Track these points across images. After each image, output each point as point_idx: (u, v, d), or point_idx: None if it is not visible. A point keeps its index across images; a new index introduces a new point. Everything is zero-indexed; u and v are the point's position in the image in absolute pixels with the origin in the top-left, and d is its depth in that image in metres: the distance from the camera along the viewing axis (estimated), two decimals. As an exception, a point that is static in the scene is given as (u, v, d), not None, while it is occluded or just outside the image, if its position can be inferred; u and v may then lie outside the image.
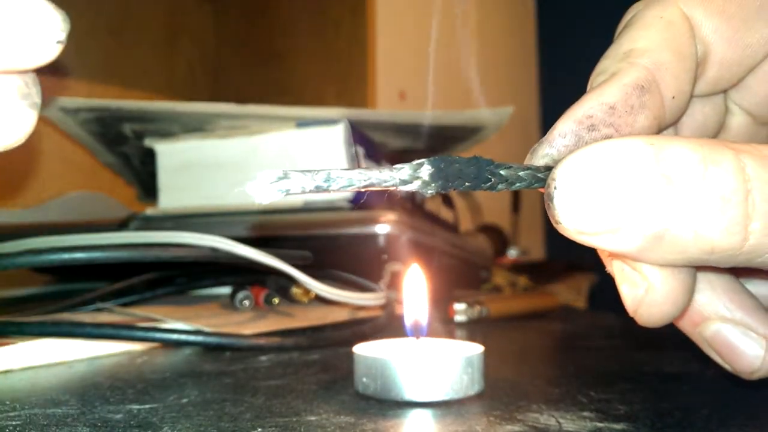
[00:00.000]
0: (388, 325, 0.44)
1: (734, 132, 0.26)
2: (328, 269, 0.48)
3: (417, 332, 0.29)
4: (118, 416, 0.23)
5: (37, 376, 0.31)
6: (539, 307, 0.60)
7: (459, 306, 0.51)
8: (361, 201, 0.52)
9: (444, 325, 0.50)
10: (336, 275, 0.48)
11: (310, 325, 0.42)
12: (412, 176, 0.19)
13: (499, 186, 0.20)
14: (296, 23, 1.17)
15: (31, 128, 0.19)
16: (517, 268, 0.97)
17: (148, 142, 0.62)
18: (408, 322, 0.30)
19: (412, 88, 1.35)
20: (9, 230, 0.55)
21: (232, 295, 0.47)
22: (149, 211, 0.60)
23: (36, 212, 0.66)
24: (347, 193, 0.50)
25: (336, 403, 0.25)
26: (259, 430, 0.22)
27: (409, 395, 0.25)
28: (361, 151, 0.58)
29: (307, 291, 0.45)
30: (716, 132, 0.26)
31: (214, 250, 0.39)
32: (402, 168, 0.19)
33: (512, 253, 1.13)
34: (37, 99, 0.19)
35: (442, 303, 0.52)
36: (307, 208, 0.54)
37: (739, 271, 0.24)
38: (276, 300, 0.46)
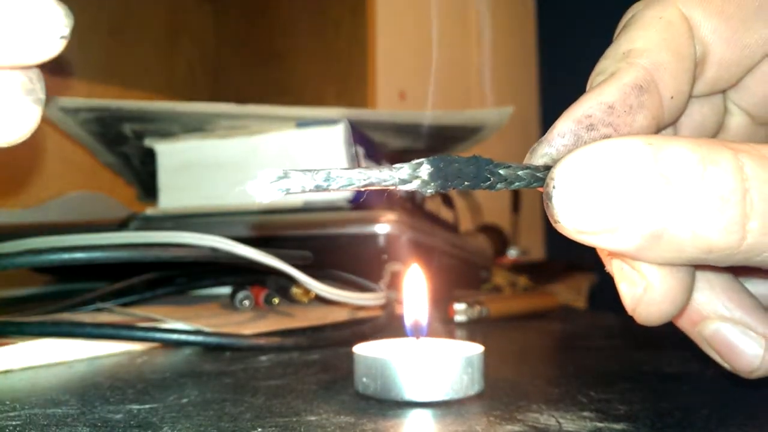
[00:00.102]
0: (388, 325, 0.44)
1: (733, 132, 0.26)
2: (328, 269, 0.48)
3: (417, 332, 0.29)
4: (118, 416, 0.23)
5: (37, 376, 0.31)
6: (539, 307, 0.60)
7: (459, 306, 0.51)
8: (361, 200, 0.52)
9: (444, 325, 0.50)
10: (336, 275, 0.48)
11: (310, 325, 0.42)
12: (411, 175, 0.19)
13: (498, 185, 0.20)
14: (296, 23, 1.17)
15: (35, 124, 0.19)
16: (517, 268, 0.97)
17: (148, 142, 0.62)
18: (408, 322, 0.30)
19: (412, 88, 1.35)
20: (9, 230, 0.56)
21: (232, 295, 0.47)
22: (149, 211, 0.60)
23: (36, 212, 0.66)
24: (347, 193, 0.50)
25: (336, 403, 0.26)
26: (259, 430, 0.22)
27: (409, 395, 0.25)
28: (361, 151, 0.58)
29: (307, 291, 0.45)
30: (715, 132, 0.26)
31: (214, 250, 0.39)
32: (401, 167, 0.19)
33: (512, 253, 1.13)
34: (42, 95, 0.19)
35: (442, 303, 0.52)
36: (307, 208, 0.54)
37: (738, 270, 0.24)
38: (276, 300, 0.46)
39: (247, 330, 0.39)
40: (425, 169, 0.19)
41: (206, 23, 1.13)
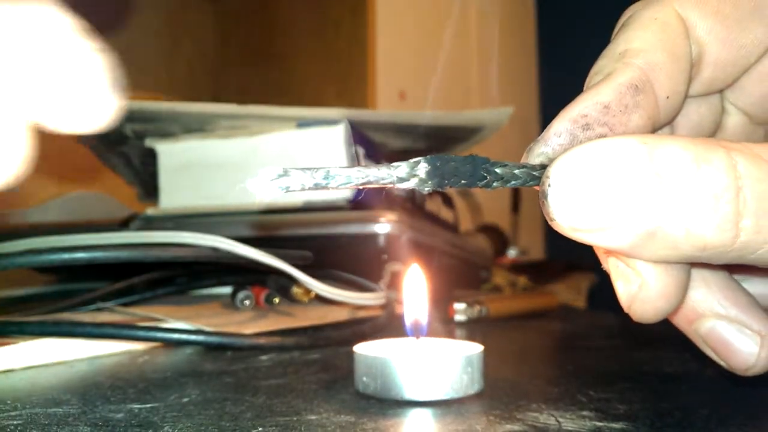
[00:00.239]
0: (388, 324, 0.44)
1: (731, 132, 0.26)
2: (329, 269, 0.48)
3: (417, 332, 0.29)
4: (119, 415, 0.24)
5: (38, 376, 0.31)
6: (539, 307, 0.60)
7: (459, 306, 0.52)
8: (361, 198, 0.52)
9: (444, 325, 0.50)
10: (336, 275, 0.48)
11: (310, 325, 0.42)
12: (409, 174, 0.19)
13: (495, 184, 0.20)
14: (296, 23, 1.17)
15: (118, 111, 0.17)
16: (517, 267, 0.97)
17: (148, 142, 0.62)
18: (408, 321, 0.30)
19: (412, 88, 1.35)
20: (10, 230, 0.56)
21: (233, 295, 0.47)
22: (150, 211, 0.60)
23: (36, 212, 0.66)
24: (346, 191, 0.50)
25: (336, 403, 0.26)
26: (260, 429, 0.22)
27: (409, 394, 0.25)
28: (361, 151, 0.58)
29: (307, 291, 0.45)
30: (713, 132, 0.26)
31: (214, 249, 0.39)
32: (399, 166, 0.19)
33: (512, 253, 1.13)
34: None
35: (442, 303, 0.53)
36: (307, 208, 0.54)
37: (734, 269, 0.24)
38: (276, 300, 0.47)
39: (248, 329, 0.39)
40: (423, 168, 0.19)
41: (206, 23, 1.13)
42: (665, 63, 0.22)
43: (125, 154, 0.70)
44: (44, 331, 0.33)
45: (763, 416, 0.25)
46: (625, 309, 0.21)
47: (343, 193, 0.51)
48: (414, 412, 0.25)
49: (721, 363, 0.23)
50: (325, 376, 0.31)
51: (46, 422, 0.22)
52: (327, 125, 0.55)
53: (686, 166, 0.18)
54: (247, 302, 0.46)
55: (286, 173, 0.18)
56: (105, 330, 0.34)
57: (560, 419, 0.23)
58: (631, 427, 0.23)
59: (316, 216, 0.53)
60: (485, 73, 1.64)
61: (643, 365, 0.35)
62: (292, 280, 0.43)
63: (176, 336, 0.36)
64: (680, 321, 0.23)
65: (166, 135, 0.63)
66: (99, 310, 0.44)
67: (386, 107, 1.25)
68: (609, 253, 0.21)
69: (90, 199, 0.73)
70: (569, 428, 0.22)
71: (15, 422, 0.22)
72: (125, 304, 0.46)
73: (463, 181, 0.20)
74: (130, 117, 0.63)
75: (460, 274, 0.71)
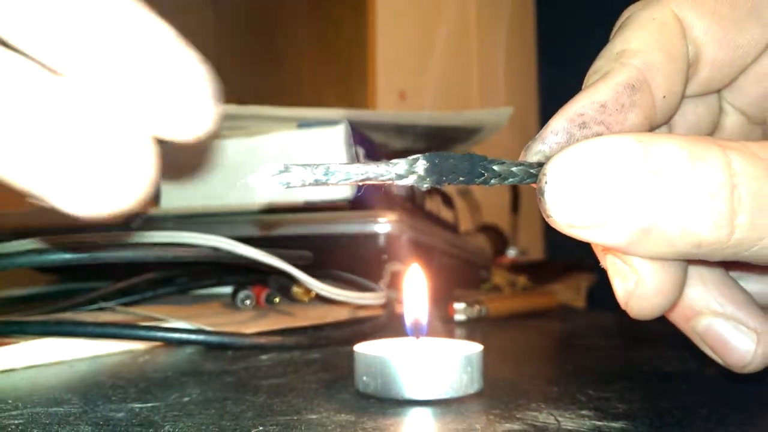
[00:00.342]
0: (388, 324, 0.44)
1: (728, 132, 0.26)
2: (329, 269, 0.48)
3: (417, 331, 0.30)
4: (120, 415, 0.24)
5: (40, 375, 0.31)
6: (538, 307, 0.60)
7: (459, 305, 0.52)
8: (361, 195, 0.52)
9: (444, 325, 0.50)
10: (336, 275, 0.48)
11: (310, 325, 0.43)
12: (408, 171, 0.19)
13: (492, 181, 0.21)
14: (296, 23, 1.17)
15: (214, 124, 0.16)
16: (517, 267, 0.97)
17: (148, 142, 0.62)
18: (408, 321, 0.30)
19: (412, 88, 1.35)
20: (12, 230, 0.56)
21: (234, 295, 0.47)
22: (150, 211, 0.60)
23: (38, 213, 0.66)
24: (347, 190, 0.50)
25: (336, 402, 0.26)
26: (261, 428, 0.22)
27: (409, 394, 0.25)
28: (361, 151, 0.58)
29: (307, 290, 0.45)
30: (711, 132, 0.26)
31: (215, 249, 0.39)
32: (398, 163, 0.19)
33: (511, 253, 1.13)
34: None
35: (441, 302, 0.53)
36: (307, 208, 0.54)
37: (730, 266, 0.24)
38: (277, 299, 0.47)
39: (249, 329, 0.39)
40: (421, 165, 0.20)
41: (207, 24, 1.13)
42: (662, 63, 0.23)
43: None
44: (45, 331, 0.33)
45: (763, 416, 0.26)
46: (622, 306, 0.22)
47: (344, 191, 0.51)
48: (414, 412, 0.25)
49: (718, 360, 0.23)
50: (326, 375, 0.31)
51: (47, 421, 0.23)
52: (327, 125, 0.55)
53: (681, 164, 0.18)
54: (247, 302, 0.46)
55: (286, 169, 0.18)
56: (106, 329, 0.35)
57: (560, 418, 0.23)
58: (631, 426, 0.23)
59: (316, 216, 0.53)
60: (485, 73, 1.64)
61: (643, 365, 0.35)
62: (293, 280, 0.43)
63: (177, 335, 0.36)
64: (677, 318, 0.24)
65: (166, 135, 0.62)
66: (100, 309, 0.44)
67: (386, 107, 1.25)
68: (606, 250, 0.22)
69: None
70: (569, 427, 0.22)
71: (16, 421, 0.22)
72: (126, 304, 0.46)
73: (461, 178, 0.20)
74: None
75: (460, 274, 0.71)
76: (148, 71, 0.14)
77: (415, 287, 0.30)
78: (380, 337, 0.31)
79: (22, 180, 0.14)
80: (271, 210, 0.54)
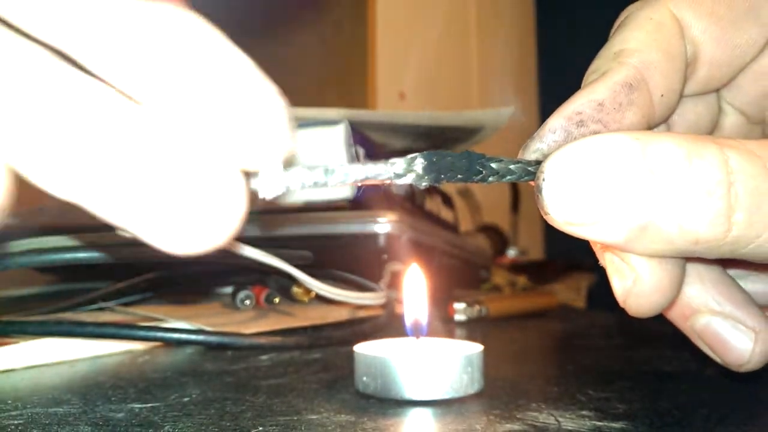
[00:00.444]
0: (388, 324, 0.44)
1: (728, 131, 0.26)
2: (329, 269, 0.48)
3: (417, 331, 0.30)
4: (120, 415, 0.24)
5: (40, 376, 0.31)
6: (538, 307, 0.60)
7: (459, 305, 0.52)
8: (361, 194, 0.52)
9: (444, 325, 0.50)
10: (336, 275, 0.48)
11: (310, 325, 0.43)
12: (406, 169, 0.20)
13: (490, 178, 0.21)
14: (296, 23, 1.17)
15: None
16: (517, 267, 0.97)
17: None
18: (408, 321, 0.30)
19: (412, 88, 1.35)
20: (12, 230, 0.56)
21: (234, 295, 0.47)
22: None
23: (38, 213, 0.66)
24: (347, 191, 0.50)
25: (336, 402, 0.26)
26: (260, 428, 0.22)
27: (409, 394, 0.25)
28: (361, 151, 0.58)
29: (307, 290, 0.45)
30: (710, 131, 0.26)
31: (215, 249, 0.39)
32: (396, 162, 0.19)
33: (511, 253, 1.13)
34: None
35: (442, 302, 0.53)
36: (307, 208, 0.54)
37: (728, 264, 0.24)
38: (277, 299, 0.47)
39: (248, 329, 0.39)
40: (419, 163, 0.20)
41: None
42: (660, 62, 0.23)
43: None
44: (45, 331, 0.33)
45: (763, 415, 0.26)
46: (621, 303, 0.22)
47: (344, 191, 0.51)
48: (414, 412, 0.25)
49: (716, 359, 0.23)
50: (326, 375, 0.31)
51: (47, 422, 0.23)
52: (327, 125, 0.55)
53: (678, 161, 0.19)
54: (247, 302, 0.46)
55: (285, 171, 0.18)
56: (106, 330, 0.35)
57: (560, 419, 0.23)
58: (631, 426, 0.23)
59: (316, 216, 0.53)
60: (485, 73, 1.64)
61: (643, 364, 0.35)
62: (293, 280, 0.43)
63: (177, 336, 0.36)
64: (676, 317, 0.24)
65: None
66: (100, 309, 0.44)
67: (386, 107, 1.25)
68: (605, 248, 0.22)
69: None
70: (569, 428, 0.22)
71: (16, 422, 0.22)
72: (126, 304, 0.46)
73: (459, 176, 0.20)
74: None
75: (460, 274, 0.71)
76: (235, 104, 0.14)
77: (415, 287, 0.30)
78: (380, 337, 0.31)
79: (114, 216, 0.14)
80: (271, 210, 0.54)
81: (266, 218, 0.54)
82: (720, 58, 0.24)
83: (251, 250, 0.39)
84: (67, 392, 0.27)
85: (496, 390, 0.28)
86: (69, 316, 0.41)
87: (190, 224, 0.14)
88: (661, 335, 0.42)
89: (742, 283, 0.24)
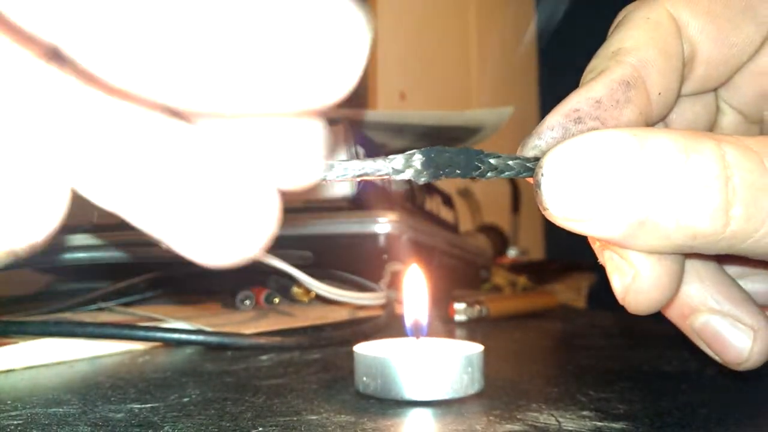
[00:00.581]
0: (388, 324, 0.44)
1: (725, 131, 0.26)
2: (329, 269, 0.48)
3: (417, 332, 0.30)
4: (120, 415, 0.24)
5: (39, 376, 0.31)
6: (539, 307, 0.60)
7: (459, 305, 0.52)
8: (361, 190, 0.52)
9: (444, 325, 0.50)
10: (336, 275, 0.48)
11: (310, 325, 0.43)
12: (405, 165, 0.20)
13: (489, 174, 0.21)
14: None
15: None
16: (517, 267, 0.97)
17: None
18: (408, 321, 0.30)
19: (412, 88, 1.35)
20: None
21: (233, 295, 0.47)
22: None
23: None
24: (346, 186, 0.50)
25: (336, 402, 0.26)
26: (260, 429, 0.22)
27: (409, 394, 0.25)
28: (361, 151, 0.58)
29: (307, 291, 0.45)
30: (708, 131, 0.26)
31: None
32: (395, 158, 0.20)
33: (512, 253, 1.13)
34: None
35: (442, 303, 0.53)
36: (307, 208, 0.54)
37: (729, 263, 0.24)
38: (277, 300, 0.47)
39: (248, 329, 0.39)
40: (418, 159, 0.20)
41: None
42: (657, 60, 0.23)
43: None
44: (45, 331, 0.33)
45: (763, 415, 0.26)
46: (620, 301, 0.22)
47: (344, 188, 0.51)
48: (414, 412, 0.25)
49: (715, 357, 0.23)
50: (326, 376, 0.31)
51: (47, 422, 0.23)
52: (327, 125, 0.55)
53: (676, 156, 0.19)
54: (247, 302, 0.46)
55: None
56: (106, 330, 0.34)
57: (560, 419, 0.23)
58: (631, 426, 0.23)
59: (316, 216, 0.53)
60: (485, 73, 1.64)
61: (643, 365, 0.35)
62: (293, 280, 0.43)
63: (176, 336, 0.36)
64: (675, 316, 0.24)
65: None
66: (100, 310, 0.44)
67: (386, 107, 1.25)
68: (604, 245, 0.22)
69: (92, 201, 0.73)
70: (569, 428, 0.22)
71: (15, 422, 0.22)
72: (126, 304, 0.46)
73: (457, 171, 0.20)
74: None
75: (460, 274, 0.71)
76: (277, 123, 0.14)
77: (415, 287, 0.30)
78: (380, 337, 0.31)
79: (154, 228, 0.14)
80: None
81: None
82: (717, 57, 0.24)
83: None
84: (66, 392, 0.27)
85: (497, 390, 0.28)
86: (69, 316, 0.41)
87: (227, 237, 0.14)
88: (661, 335, 0.42)
89: (741, 283, 0.24)
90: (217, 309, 0.47)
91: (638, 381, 0.31)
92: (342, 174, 0.19)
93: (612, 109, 0.22)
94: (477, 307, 0.52)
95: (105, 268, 0.48)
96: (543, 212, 0.20)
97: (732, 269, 0.25)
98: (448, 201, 0.75)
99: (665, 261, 0.21)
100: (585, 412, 0.24)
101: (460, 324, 0.51)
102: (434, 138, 0.70)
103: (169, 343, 0.37)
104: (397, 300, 0.48)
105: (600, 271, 0.23)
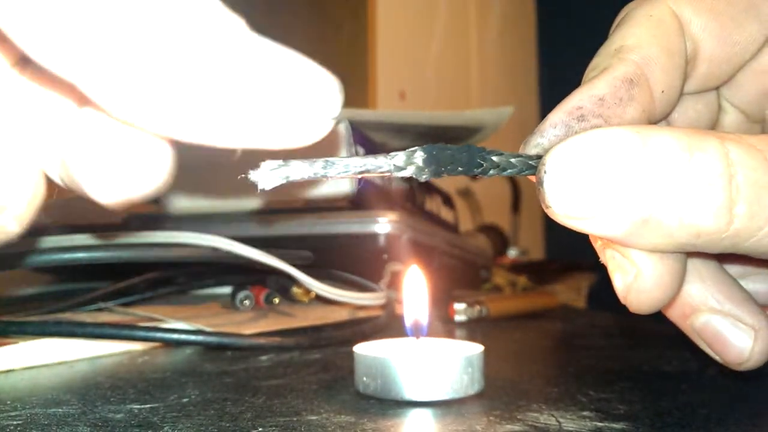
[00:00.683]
0: (388, 324, 0.44)
1: (727, 130, 0.26)
2: (329, 269, 0.48)
3: (417, 332, 0.30)
4: (119, 416, 0.24)
5: (39, 376, 0.31)
6: (539, 307, 0.60)
7: (459, 306, 0.52)
8: (362, 187, 0.52)
9: (444, 325, 0.50)
10: (336, 275, 0.48)
11: (310, 325, 0.42)
12: (406, 162, 0.20)
13: (491, 171, 0.21)
14: (296, 24, 1.17)
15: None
16: (517, 267, 0.97)
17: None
18: (408, 321, 0.30)
19: (412, 88, 1.35)
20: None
21: (233, 295, 0.47)
22: (150, 211, 0.60)
23: (37, 213, 0.66)
24: (347, 184, 0.50)
25: (336, 403, 0.26)
26: (260, 429, 0.22)
27: (409, 395, 0.25)
28: (361, 151, 0.58)
29: (307, 291, 0.45)
30: (709, 129, 0.26)
31: (214, 249, 0.39)
32: (397, 155, 0.19)
33: (512, 253, 1.13)
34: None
35: (442, 303, 0.53)
36: (307, 208, 0.54)
37: (731, 261, 0.24)
38: (276, 300, 0.47)
39: (248, 330, 0.39)
40: (419, 156, 0.20)
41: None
42: (660, 58, 0.23)
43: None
44: (45, 331, 0.33)
45: (763, 415, 0.25)
46: (622, 300, 0.22)
47: (344, 186, 0.51)
48: (414, 412, 0.25)
49: (716, 357, 0.23)
50: (326, 376, 0.31)
51: (46, 422, 0.23)
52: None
53: (679, 154, 0.19)
54: (246, 302, 0.46)
55: (286, 163, 0.18)
56: (105, 330, 0.34)
57: (560, 419, 0.23)
58: (632, 426, 0.23)
59: (316, 216, 0.53)
60: (485, 73, 1.64)
61: (643, 365, 0.35)
62: (292, 280, 0.43)
63: (176, 336, 0.36)
64: (675, 316, 0.24)
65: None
66: (99, 310, 0.44)
67: (386, 107, 1.25)
68: (605, 244, 0.22)
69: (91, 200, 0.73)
70: (569, 428, 0.22)
71: (15, 422, 0.22)
72: (125, 304, 0.46)
73: (459, 169, 0.20)
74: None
75: (460, 274, 0.71)
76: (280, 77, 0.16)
77: (415, 287, 0.30)
78: (380, 337, 0.31)
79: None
80: (271, 210, 0.54)
81: (266, 218, 0.54)
82: (719, 55, 0.24)
83: (251, 250, 0.39)
84: (66, 393, 0.27)
85: (497, 390, 0.28)
86: (68, 316, 0.41)
87: (119, 174, 0.16)
88: (661, 335, 0.42)
89: (742, 283, 0.24)
90: (217, 309, 0.47)
91: (638, 381, 0.31)
92: (343, 171, 0.19)
93: (615, 107, 0.22)
94: (477, 308, 0.52)
95: (105, 268, 0.48)
96: (545, 210, 0.20)
97: (733, 269, 0.25)
98: (448, 201, 0.75)
99: (667, 260, 0.21)
100: (585, 413, 0.24)
101: (460, 324, 0.51)
102: (434, 138, 0.70)
103: (168, 344, 0.37)
104: (397, 300, 0.48)
105: (600, 271, 0.23)
